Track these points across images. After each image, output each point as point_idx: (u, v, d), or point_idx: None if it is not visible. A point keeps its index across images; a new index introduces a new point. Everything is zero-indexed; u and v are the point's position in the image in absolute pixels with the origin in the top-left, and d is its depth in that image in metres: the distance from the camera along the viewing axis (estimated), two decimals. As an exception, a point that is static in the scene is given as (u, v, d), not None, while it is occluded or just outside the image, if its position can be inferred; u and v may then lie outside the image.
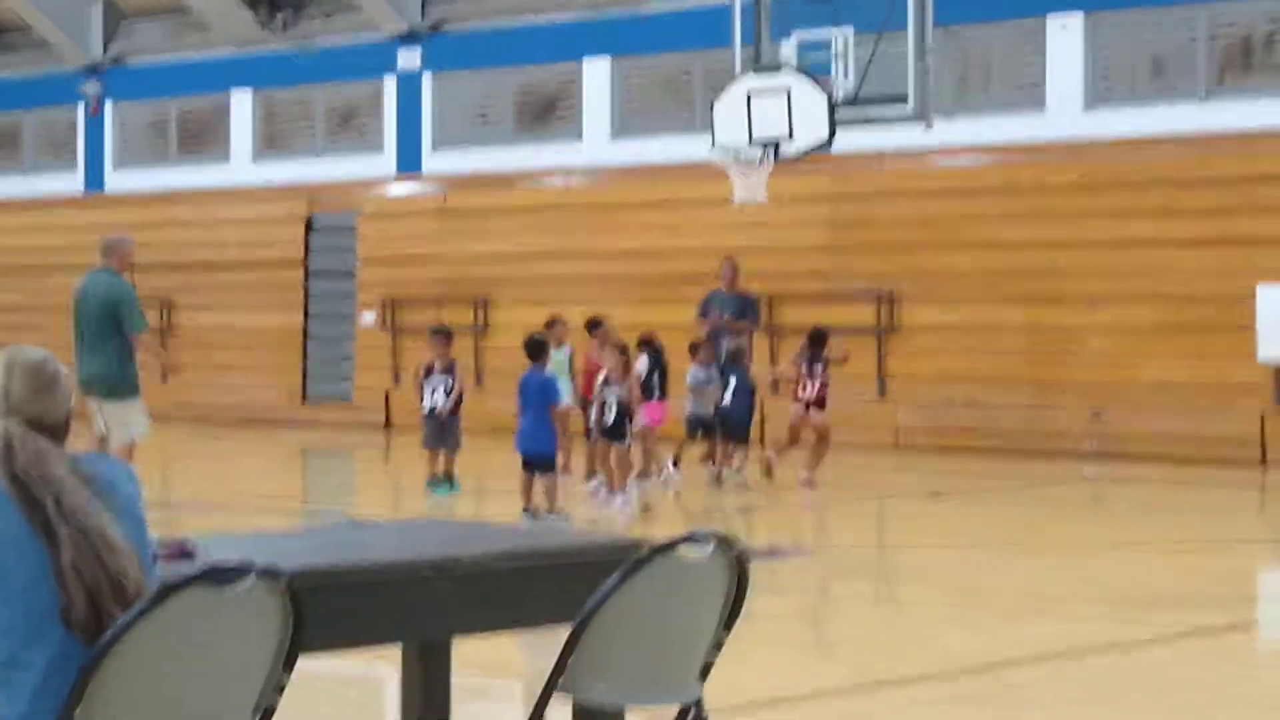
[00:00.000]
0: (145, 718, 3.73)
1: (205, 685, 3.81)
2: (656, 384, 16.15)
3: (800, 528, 14.83)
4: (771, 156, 17.80)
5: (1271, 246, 18.63)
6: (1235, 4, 19.66)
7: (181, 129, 27.96)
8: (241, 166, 27.05)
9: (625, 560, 4.45)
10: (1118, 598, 10.34)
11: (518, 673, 8.26)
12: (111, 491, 3.89)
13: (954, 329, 20.51)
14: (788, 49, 18.10)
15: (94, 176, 28.73)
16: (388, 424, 24.24)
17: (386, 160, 25.56)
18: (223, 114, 27.28)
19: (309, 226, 26.01)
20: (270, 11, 26.12)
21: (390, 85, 25.45)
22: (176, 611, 3.70)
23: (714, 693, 4.73)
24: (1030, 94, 20.69)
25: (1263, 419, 18.65)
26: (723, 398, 16.61)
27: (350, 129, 26.24)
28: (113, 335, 13.37)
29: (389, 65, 25.38)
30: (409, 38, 25.17)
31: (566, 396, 15.51)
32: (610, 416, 14.66)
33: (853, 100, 17.67)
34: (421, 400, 15.42)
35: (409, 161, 25.33)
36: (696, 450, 17.06)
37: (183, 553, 4.45)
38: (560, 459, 14.59)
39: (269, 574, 3.84)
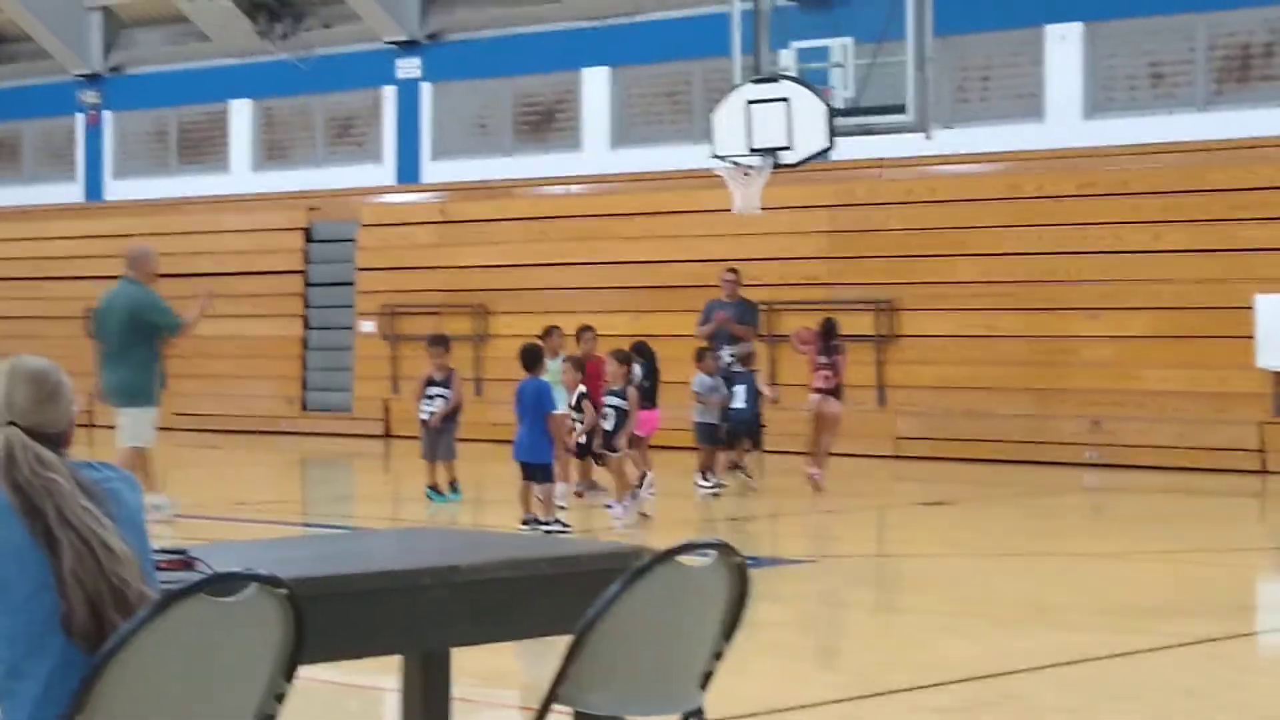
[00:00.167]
0: (146, 727, 3.73)
1: (206, 694, 3.81)
2: (649, 392, 16.17)
3: (799, 536, 14.82)
4: (771, 166, 17.82)
5: (1270, 255, 18.64)
6: (1234, 14, 19.68)
7: (181, 138, 27.98)
8: (241, 176, 27.07)
9: (626, 569, 4.44)
10: (1117, 606, 10.33)
11: (518, 682, 8.25)
12: (113, 501, 3.89)
13: (953, 338, 20.52)
14: (787, 58, 18.12)
15: (93, 186, 28.75)
16: (387, 433, 24.24)
17: (386, 170, 25.58)
18: (222, 123, 27.30)
19: (308, 236, 26.02)
20: (270, 21, 26.14)
21: (389, 95, 25.48)
22: (177, 621, 3.70)
23: (715, 702, 4.73)
24: (1029, 104, 20.70)
25: (1262, 428, 18.65)
26: (732, 401, 16.69)
27: (350, 138, 26.26)
28: (137, 345, 13.53)
29: (388, 75, 25.40)
30: (408, 47, 25.19)
31: (562, 405, 15.51)
32: (608, 424, 14.69)
33: (852, 110, 17.69)
34: (420, 409, 15.45)
35: (408, 171, 25.35)
36: (694, 460, 17.07)
37: (183, 562, 4.45)
38: (558, 468, 14.59)
39: (269, 583, 3.84)
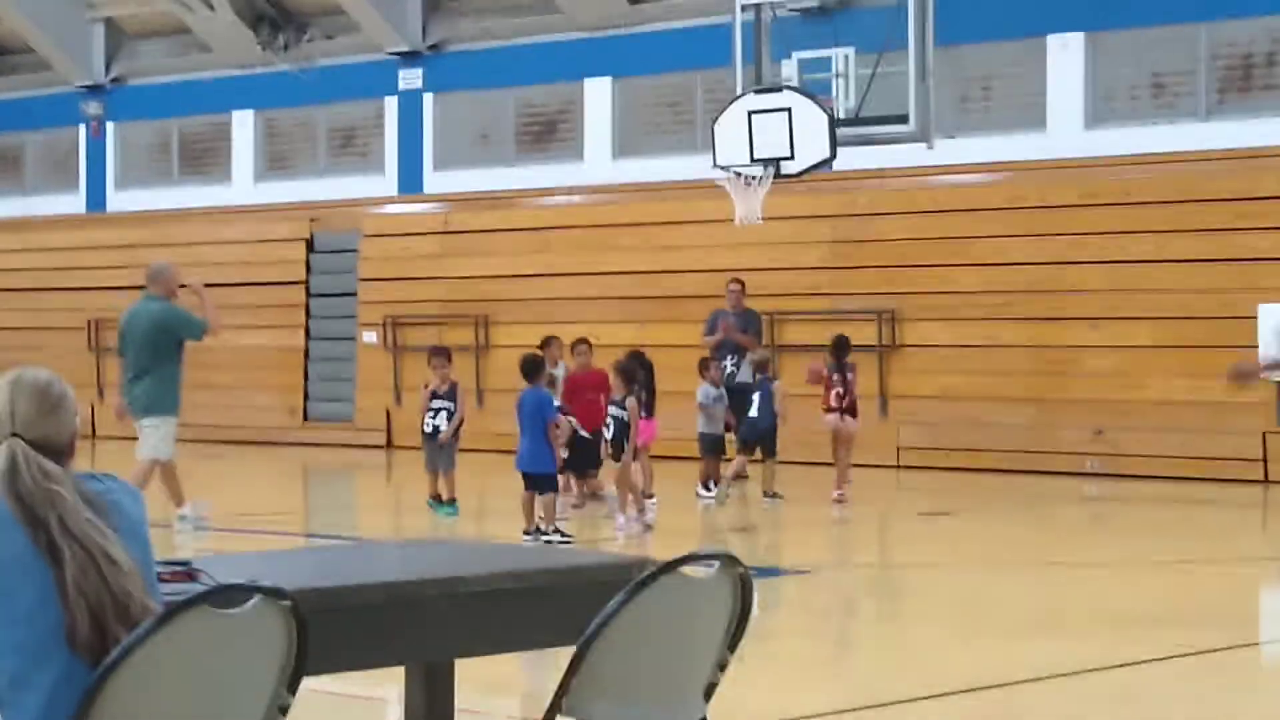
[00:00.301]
0: (149, 739, 3.73)
1: (209, 706, 3.81)
2: (645, 402, 16.17)
3: (803, 546, 14.82)
4: (772, 176, 17.84)
5: (1273, 265, 18.63)
6: (1236, 23, 19.69)
7: (183, 149, 28.00)
8: (243, 187, 27.09)
9: (629, 580, 4.44)
10: (1120, 616, 10.33)
11: (520, 693, 8.25)
12: (116, 512, 3.89)
13: (955, 347, 20.51)
14: (789, 68, 18.14)
15: (96, 197, 28.77)
16: (389, 443, 24.24)
17: (388, 180, 25.60)
18: (224, 134, 27.32)
19: (310, 246, 26.03)
20: (272, 32, 26.17)
21: (392, 105, 25.50)
22: (180, 632, 3.70)
23: (718, 713, 4.72)
24: (1031, 113, 20.71)
25: (1264, 437, 18.64)
26: (748, 410, 16.69)
27: (352, 149, 26.28)
28: (161, 359, 13.77)
29: (390, 86, 25.42)
30: (410, 58, 25.21)
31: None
32: (609, 434, 14.70)
33: (853, 120, 17.71)
34: (423, 422, 15.42)
35: (410, 181, 25.37)
36: (696, 469, 17.07)
37: (186, 574, 4.45)
38: (561, 478, 14.60)
39: (272, 595, 3.84)
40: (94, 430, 25.56)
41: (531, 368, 13.90)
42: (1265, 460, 18.61)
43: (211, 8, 26.00)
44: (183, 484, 14.14)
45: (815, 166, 17.83)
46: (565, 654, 4.38)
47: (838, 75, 17.92)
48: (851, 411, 16.77)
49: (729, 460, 17.70)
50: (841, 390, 16.71)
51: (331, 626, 4.36)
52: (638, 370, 15.08)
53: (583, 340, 15.92)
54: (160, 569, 4.17)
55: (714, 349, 18.26)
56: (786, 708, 7.83)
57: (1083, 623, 10.13)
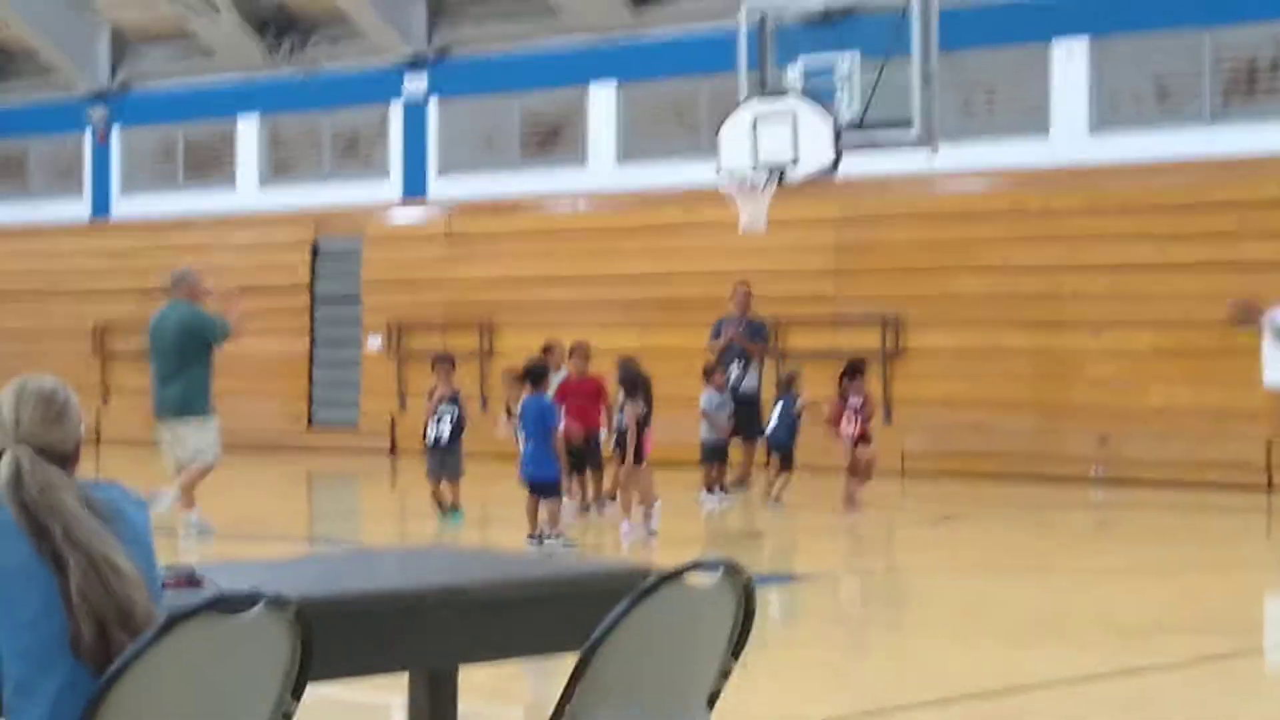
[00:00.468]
0: (153, 746, 3.73)
1: (213, 714, 3.81)
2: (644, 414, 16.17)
3: (806, 553, 14.82)
4: (776, 181, 17.84)
5: (1277, 271, 18.62)
6: (1240, 29, 19.69)
7: (188, 155, 28.02)
8: (248, 192, 27.11)
9: (632, 587, 4.45)
10: (1123, 623, 10.32)
11: (524, 701, 8.25)
12: (120, 520, 3.90)
13: (959, 353, 20.51)
14: (793, 74, 18.16)
15: (101, 203, 28.79)
16: (393, 449, 24.25)
17: (392, 186, 25.62)
18: (229, 140, 27.35)
19: (315, 252, 26.05)
20: (276, 38, 26.20)
21: (396, 111, 25.52)
22: (184, 640, 3.70)
23: (721, 720, 4.72)
24: (1035, 119, 20.71)
25: (1268, 444, 18.64)
26: (768, 421, 16.95)
27: (356, 155, 26.30)
28: (191, 362, 14.03)
29: (395, 91, 25.44)
30: (415, 64, 25.23)
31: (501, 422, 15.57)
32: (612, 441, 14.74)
33: (857, 125, 17.72)
34: (426, 430, 15.41)
35: (415, 187, 25.38)
36: (698, 476, 17.08)
37: (190, 581, 4.46)
38: (565, 483, 14.60)
39: (276, 603, 3.85)
40: (98, 437, 25.58)
41: (535, 375, 13.91)
42: (1269, 467, 18.61)
43: (217, 12, 26.02)
44: (193, 494, 14.22)
45: (819, 172, 17.85)
46: (569, 661, 4.38)
47: (842, 81, 17.93)
48: (865, 439, 16.71)
49: (732, 466, 17.74)
50: (855, 415, 16.66)
51: (335, 633, 4.36)
52: (640, 378, 15.07)
53: (580, 345, 15.91)
54: (164, 576, 4.18)
55: (720, 355, 18.28)
56: (790, 715, 7.83)
57: (1087, 629, 10.13)
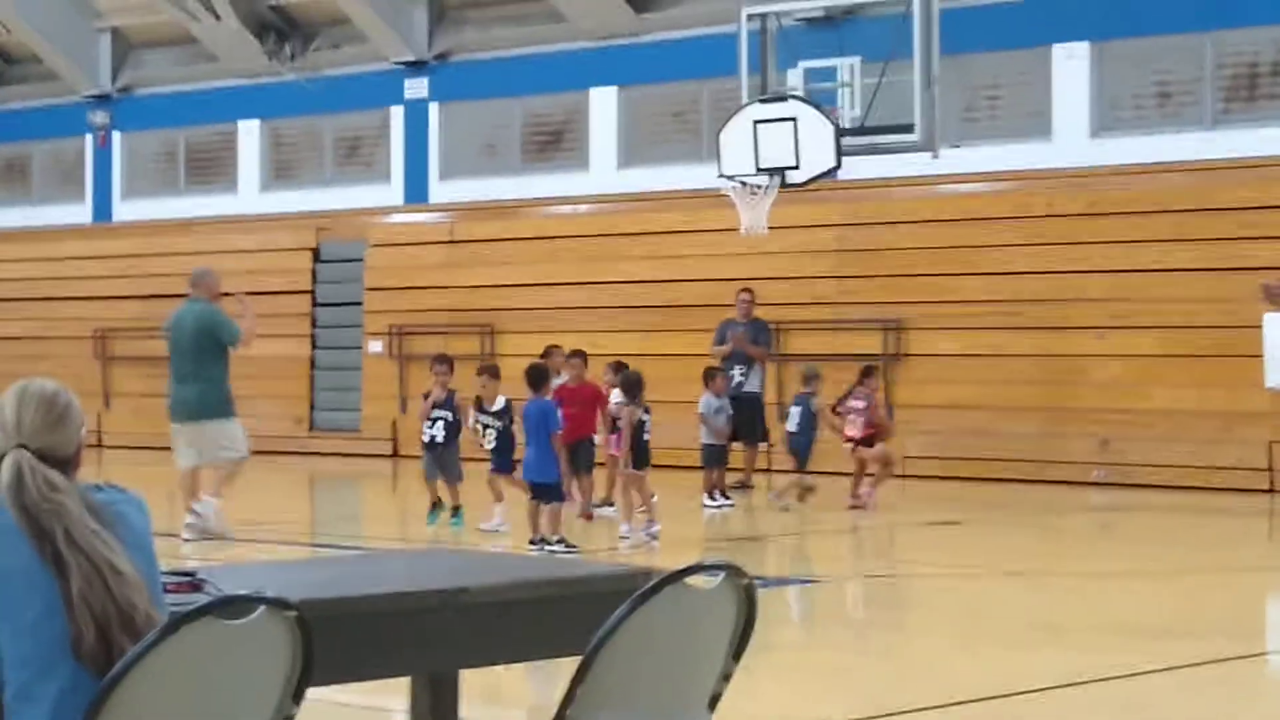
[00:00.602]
0: (154, 750, 3.73)
1: (214, 718, 3.81)
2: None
3: (809, 556, 14.82)
4: (778, 185, 17.84)
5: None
6: (1242, 32, 19.69)
7: (189, 159, 28.03)
8: (249, 196, 27.12)
9: (633, 590, 4.44)
10: (1125, 627, 10.32)
11: (526, 704, 8.25)
12: (122, 523, 3.90)
13: (962, 357, 20.50)
14: (794, 78, 18.17)
15: (102, 207, 28.80)
16: (394, 453, 24.24)
17: (394, 190, 25.62)
18: (231, 144, 27.36)
19: (316, 256, 26.05)
20: (278, 42, 26.21)
21: (397, 115, 25.52)
22: (186, 643, 3.70)
23: (722, 724, 4.72)
24: (1037, 123, 20.71)
25: (1271, 447, 18.63)
26: (787, 423, 17.03)
27: (358, 159, 26.31)
28: (210, 361, 14.06)
29: (396, 95, 25.45)
30: (416, 68, 25.24)
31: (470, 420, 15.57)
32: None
33: (859, 129, 17.72)
34: (422, 431, 15.40)
35: (416, 191, 25.39)
36: (700, 479, 17.07)
37: (191, 584, 4.46)
38: (565, 486, 14.60)
39: (278, 606, 3.84)
40: (100, 440, 25.59)
41: (537, 378, 13.90)
42: (1271, 470, 18.60)
43: (218, 17, 26.04)
44: (195, 494, 14.19)
45: (821, 176, 17.86)
46: (570, 664, 4.38)
47: (843, 85, 17.94)
48: (866, 443, 16.75)
49: (731, 470, 17.74)
50: (856, 417, 16.70)
51: (337, 637, 4.36)
52: (641, 382, 15.06)
53: (578, 352, 15.88)
54: (165, 579, 4.18)
55: (723, 360, 18.28)
56: (791, 717, 7.83)
57: (1089, 633, 10.12)
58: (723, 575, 4.49)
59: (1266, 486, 18.48)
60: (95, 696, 3.65)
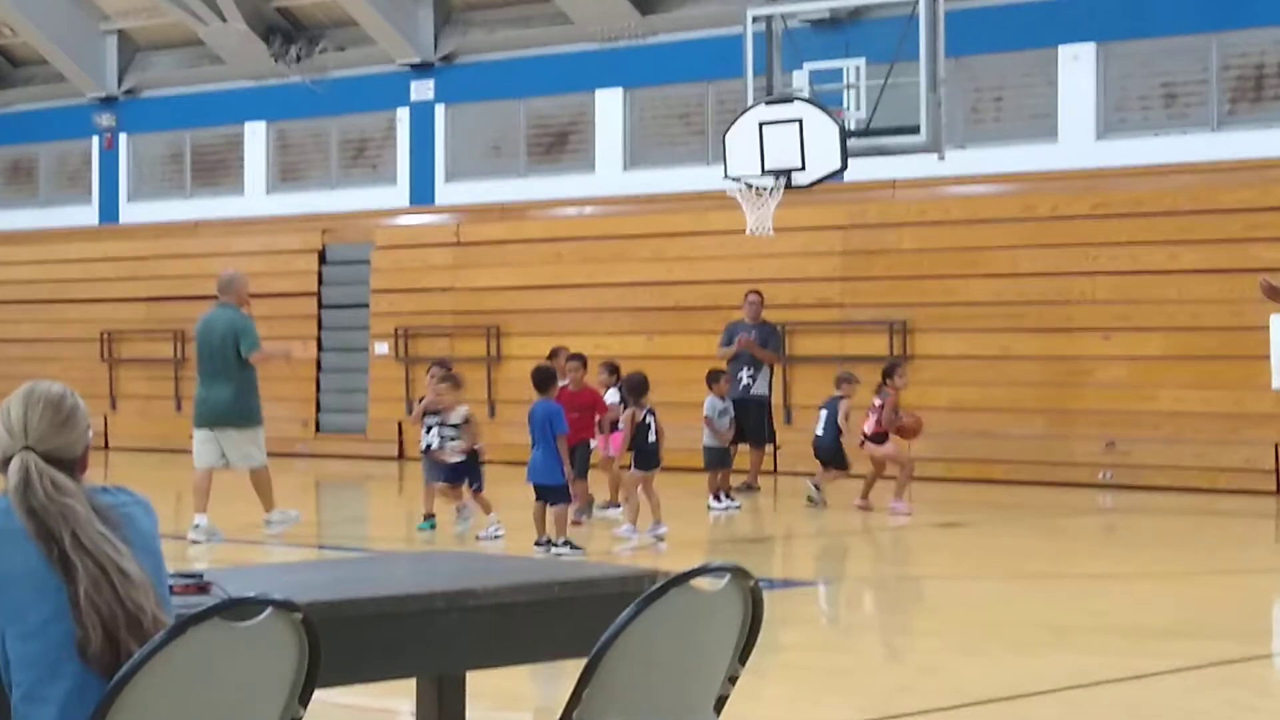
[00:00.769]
0: (161, 752, 3.73)
1: (221, 719, 3.82)
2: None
3: (814, 558, 14.81)
4: (783, 187, 17.85)
5: (1285, 275, 18.59)
6: (1247, 33, 19.68)
7: (196, 161, 28.05)
8: (255, 198, 27.13)
9: (639, 592, 4.44)
10: (1131, 628, 10.31)
11: (531, 706, 8.25)
12: (129, 525, 3.90)
13: (967, 358, 20.50)
14: (800, 79, 18.18)
15: (108, 208, 28.82)
16: (400, 455, 24.25)
17: (400, 192, 25.63)
18: (237, 146, 27.37)
19: (322, 258, 26.06)
20: (284, 44, 26.22)
21: (403, 117, 25.53)
22: (192, 645, 3.70)
23: (728, 725, 4.72)
24: (1042, 124, 20.71)
25: (1277, 448, 18.61)
26: (815, 427, 17.21)
27: (364, 161, 26.32)
28: (232, 367, 14.03)
29: (402, 97, 25.46)
30: (422, 70, 25.25)
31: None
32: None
33: (865, 130, 17.72)
34: (421, 439, 15.31)
35: (422, 193, 25.40)
36: (705, 481, 17.08)
37: (198, 586, 4.46)
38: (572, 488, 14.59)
39: (285, 608, 3.85)
40: (107, 443, 25.61)
41: (543, 379, 13.91)
42: (1278, 471, 18.58)
43: (224, 19, 26.06)
44: (209, 498, 14.24)
45: (826, 177, 17.85)
46: (576, 666, 4.38)
47: (849, 86, 17.95)
48: (875, 440, 16.81)
49: (738, 472, 17.74)
50: (871, 414, 16.78)
51: (343, 639, 4.36)
52: (645, 384, 15.05)
53: (577, 357, 15.85)
54: (172, 581, 4.18)
55: (729, 362, 18.29)
56: (798, 720, 7.82)
57: (1095, 635, 10.12)
58: (729, 577, 4.50)
59: (1273, 488, 18.46)
60: (102, 698, 3.66)
